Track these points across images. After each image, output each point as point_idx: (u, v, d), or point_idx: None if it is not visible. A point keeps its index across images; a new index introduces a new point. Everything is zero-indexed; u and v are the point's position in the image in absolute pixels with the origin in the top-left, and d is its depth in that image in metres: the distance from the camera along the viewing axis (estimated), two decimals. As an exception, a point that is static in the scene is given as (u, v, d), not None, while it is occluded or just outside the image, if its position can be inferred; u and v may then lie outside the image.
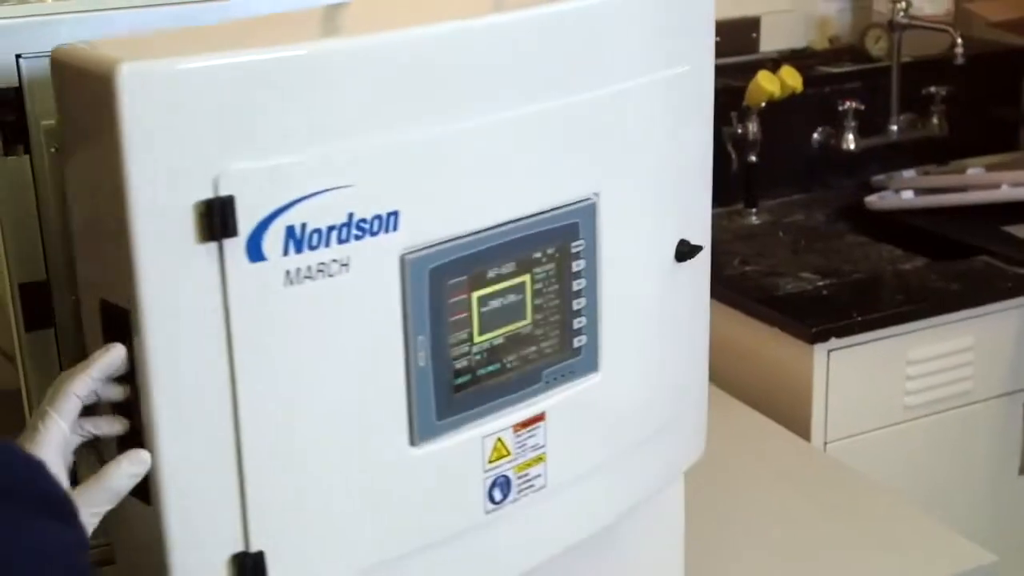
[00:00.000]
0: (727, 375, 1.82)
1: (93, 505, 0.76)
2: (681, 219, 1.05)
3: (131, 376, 0.79)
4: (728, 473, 1.54)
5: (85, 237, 0.83)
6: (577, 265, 0.97)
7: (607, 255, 0.99)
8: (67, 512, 0.61)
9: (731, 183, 2.14)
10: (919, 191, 2.24)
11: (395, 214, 0.84)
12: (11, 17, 0.88)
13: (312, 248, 0.81)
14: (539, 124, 0.92)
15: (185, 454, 0.80)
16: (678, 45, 1.02)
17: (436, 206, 0.87)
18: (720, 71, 2.30)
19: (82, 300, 0.84)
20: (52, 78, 0.81)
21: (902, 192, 2.24)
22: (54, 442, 0.76)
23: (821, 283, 1.90)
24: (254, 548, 0.83)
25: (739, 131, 2.12)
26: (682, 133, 1.04)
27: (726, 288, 1.89)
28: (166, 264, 0.76)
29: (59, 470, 0.75)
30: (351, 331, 0.85)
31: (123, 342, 0.79)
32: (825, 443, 1.78)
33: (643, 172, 1.01)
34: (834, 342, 1.75)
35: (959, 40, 2.16)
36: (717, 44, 2.39)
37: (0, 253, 0.91)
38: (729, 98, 2.10)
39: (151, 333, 0.77)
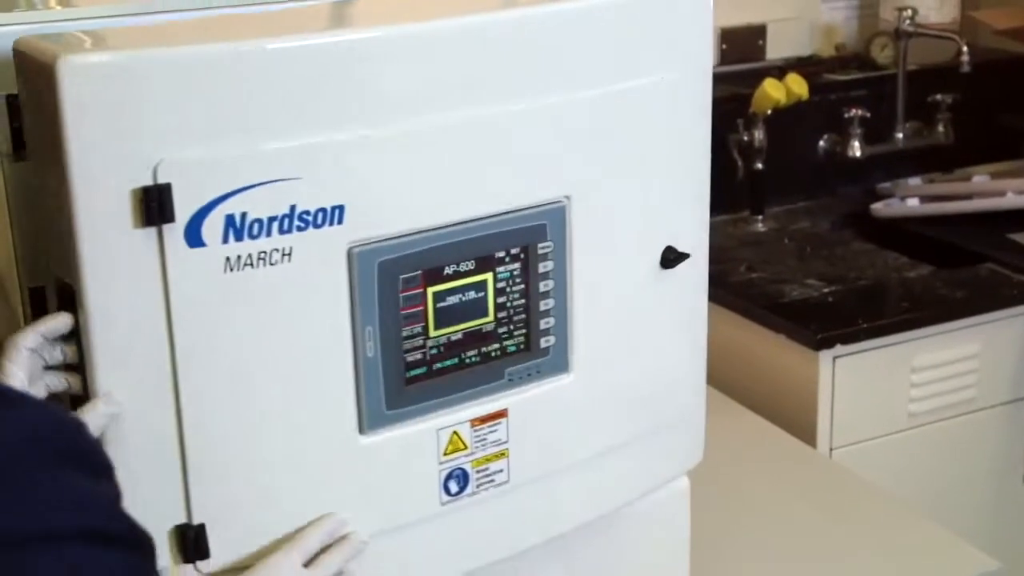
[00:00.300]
0: (732, 381, 1.82)
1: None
2: (667, 226, 1.05)
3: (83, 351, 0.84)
4: (733, 478, 1.54)
5: (45, 221, 0.86)
6: (544, 266, 0.98)
7: (581, 259, 1.00)
8: (107, 467, 0.63)
9: (737, 190, 2.14)
10: (924, 198, 2.23)
11: (340, 208, 0.86)
12: (22, 24, 0.90)
13: (253, 237, 0.83)
14: (499, 127, 0.93)
15: (126, 427, 0.83)
16: (661, 52, 1.02)
17: (385, 202, 0.89)
18: (726, 78, 2.31)
19: (47, 283, 0.88)
20: (15, 69, 0.84)
21: (907, 199, 2.24)
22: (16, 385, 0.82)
23: (826, 290, 1.89)
24: (196, 521, 0.86)
25: (745, 138, 2.12)
26: (668, 140, 1.04)
27: (732, 294, 1.89)
28: (107, 245, 0.80)
29: None
30: (296, 318, 0.87)
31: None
32: (830, 449, 1.78)
33: (621, 178, 1.01)
34: (839, 349, 1.75)
35: (965, 48, 2.16)
36: (723, 51, 2.37)
37: (11, 258, 0.92)
38: (735, 105, 2.10)
39: (93, 309, 0.81)
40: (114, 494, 0.62)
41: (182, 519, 0.87)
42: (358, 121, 0.87)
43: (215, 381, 0.86)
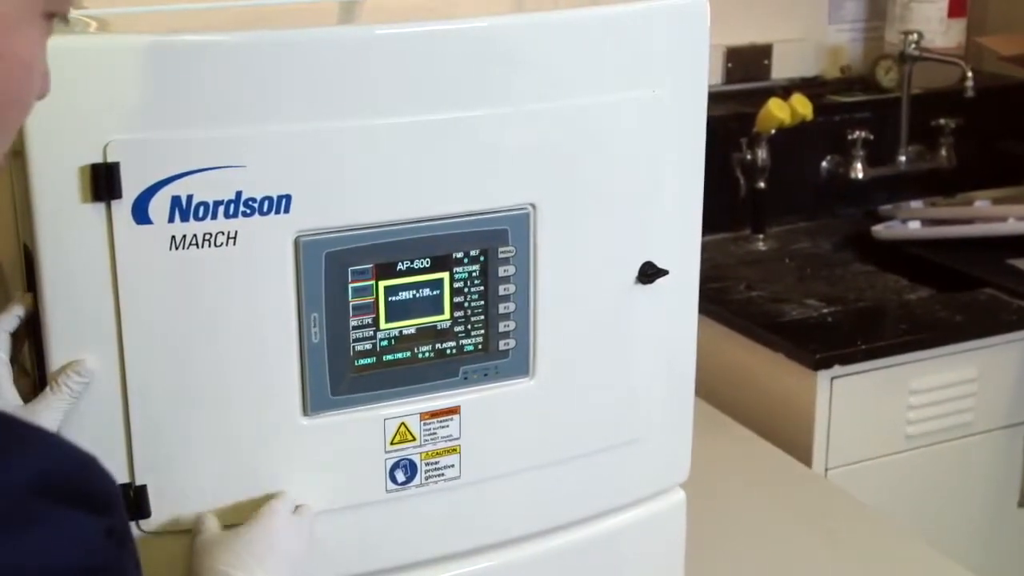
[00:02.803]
0: (730, 399, 1.81)
1: (55, 409, 0.86)
2: (647, 241, 1.05)
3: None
4: (728, 496, 1.53)
5: (21, 192, 0.90)
6: (505, 270, 0.99)
7: (548, 266, 1.00)
8: (106, 504, 0.62)
9: (739, 208, 2.13)
10: (926, 222, 2.22)
11: (287, 197, 0.89)
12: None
13: (198, 219, 0.87)
14: (463, 130, 0.94)
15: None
16: (652, 67, 1.02)
17: (336, 195, 0.91)
18: (730, 97, 2.30)
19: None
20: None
21: (909, 222, 2.22)
22: (5, 372, 0.89)
23: (826, 310, 1.88)
24: (139, 481, 0.91)
25: (748, 157, 2.11)
26: (654, 155, 1.03)
27: (731, 312, 1.87)
28: (60, 217, 0.85)
29: (8, 384, 0.88)
30: (241, 299, 0.90)
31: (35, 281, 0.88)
32: (826, 469, 1.76)
33: (598, 190, 1.01)
34: (837, 369, 1.73)
35: (969, 73, 2.14)
36: (729, 70, 2.36)
37: (18, 254, 0.95)
38: (739, 124, 2.09)
39: (46, 275, 0.86)
40: (121, 528, 0.61)
41: (125, 479, 0.90)
42: (311, 114, 0.89)
43: (159, 352, 0.89)
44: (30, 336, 0.91)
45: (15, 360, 0.91)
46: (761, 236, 2.16)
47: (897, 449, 1.80)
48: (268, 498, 0.92)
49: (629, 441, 1.10)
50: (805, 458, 1.73)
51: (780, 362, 1.78)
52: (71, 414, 0.87)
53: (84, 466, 0.58)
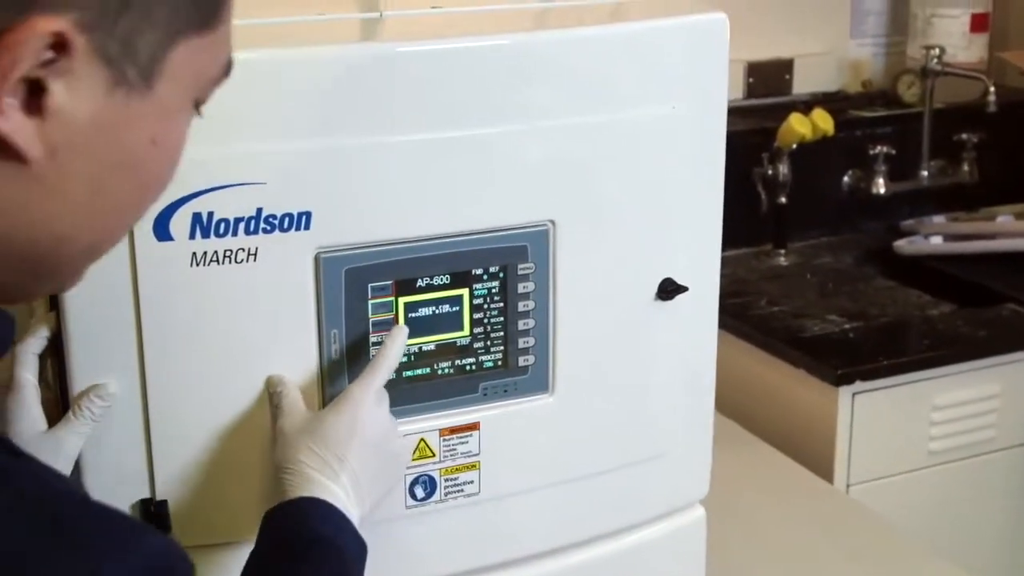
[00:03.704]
0: (751, 414, 1.79)
1: (77, 434, 0.87)
2: (667, 258, 1.05)
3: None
4: (749, 512, 1.52)
5: None
6: (525, 286, 0.98)
7: (567, 282, 1.00)
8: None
9: (760, 224, 2.12)
10: (948, 237, 2.20)
11: (307, 214, 0.89)
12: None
13: (219, 235, 0.87)
14: (482, 147, 0.94)
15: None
16: (672, 83, 1.01)
17: (356, 212, 0.91)
18: (752, 112, 2.29)
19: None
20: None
21: (931, 237, 2.20)
22: (34, 394, 0.89)
23: (848, 326, 1.86)
24: (159, 497, 0.91)
25: (769, 172, 2.09)
26: (674, 172, 1.03)
27: (752, 328, 1.86)
28: None
29: (36, 406, 0.88)
30: (261, 315, 0.90)
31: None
32: (848, 485, 1.75)
33: (617, 207, 1.01)
34: (859, 385, 1.72)
35: (992, 88, 2.13)
36: (750, 85, 2.35)
37: None
38: (760, 139, 2.08)
39: (69, 294, 0.85)
40: None
41: (146, 494, 0.91)
42: (331, 131, 0.89)
43: (180, 368, 0.89)
44: (52, 353, 0.91)
45: (41, 378, 0.91)
46: (783, 251, 2.15)
47: (919, 465, 1.79)
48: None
49: (649, 457, 1.09)
50: (826, 474, 1.71)
51: (801, 378, 1.76)
52: (95, 430, 0.87)
53: (182, 558, 0.59)
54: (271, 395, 0.90)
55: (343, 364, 0.93)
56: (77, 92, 0.53)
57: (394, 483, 0.93)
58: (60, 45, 0.52)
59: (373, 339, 0.94)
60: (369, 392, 0.89)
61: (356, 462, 0.86)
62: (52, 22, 0.51)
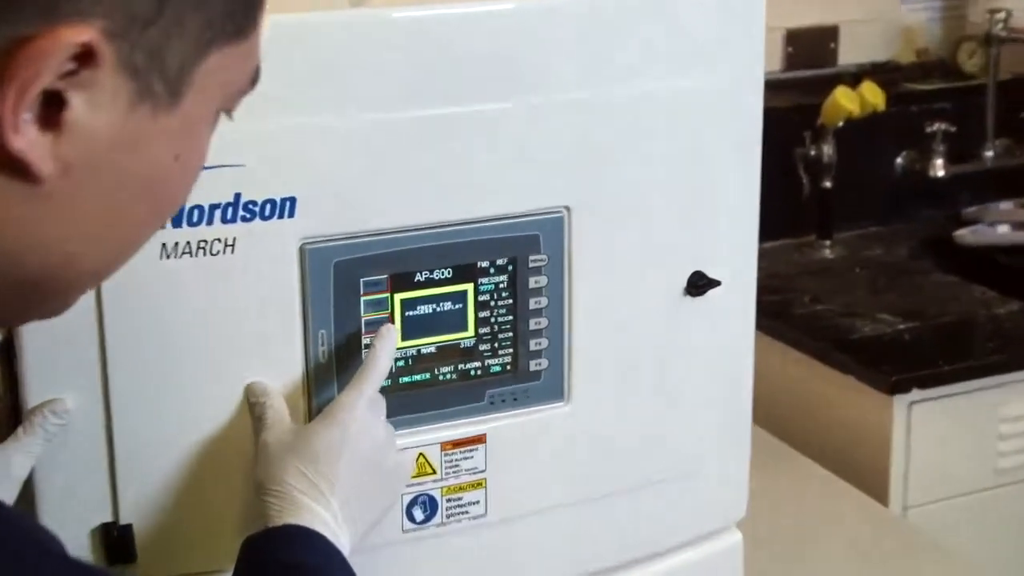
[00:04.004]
0: (793, 427, 1.80)
1: (27, 454, 0.87)
2: (697, 249, 1.05)
3: None
4: (792, 538, 1.52)
5: None
6: (537, 281, 0.99)
7: (585, 276, 1.00)
8: None
9: (802, 211, 2.13)
10: (1016, 225, 2.21)
11: (291, 200, 0.89)
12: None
13: (192, 224, 0.87)
14: (489, 125, 0.94)
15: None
16: (702, 54, 1.02)
17: (346, 197, 0.91)
18: (792, 85, 2.29)
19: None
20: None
21: (997, 226, 2.21)
22: None
23: (902, 326, 1.87)
24: (123, 520, 0.90)
25: (812, 153, 2.10)
26: (704, 153, 1.04)
27: (794, 329, 1.87)
28: None
29: None
30: (240, 314, 0.90)
31: None
32: (905, 508, 1.75)
33: (640, 191, 1.01)
34: (916, 394, 1.73)
35: (1065, 56, 2.14)
36: (789, 55, 2.35)
37: None
38: (802, 116, 2.09)
39: None
40: None
41: (108, 518, 0.90)
42: (319, 107, 0.89)
43: (148, 376, 0.89)
44: (4, 360, 0.92)
45: None
46: (828, 242, 2.16)
47: (986, 485, 1.79)
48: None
49: (677, 475, 1.10)
50: (880, 495, 1.72)
51: (850, 385, 1.77)
52: (50, 447, 0.88)
53: None
54: (252, 406, 0.91)
55: (332, 369, 0.94)
56: (98, 106, 0.54)
57: (390, 504, 0.94)
58: (85, 56, 0.53)
59: (366, 340, 0.94)
60: (360, 401, 0.90)
61: (347, 482, 0.87)
62: (80, 32, 0.52)
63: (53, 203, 0.56)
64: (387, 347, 0.92)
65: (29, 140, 0.53)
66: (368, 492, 0.89)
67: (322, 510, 0.85)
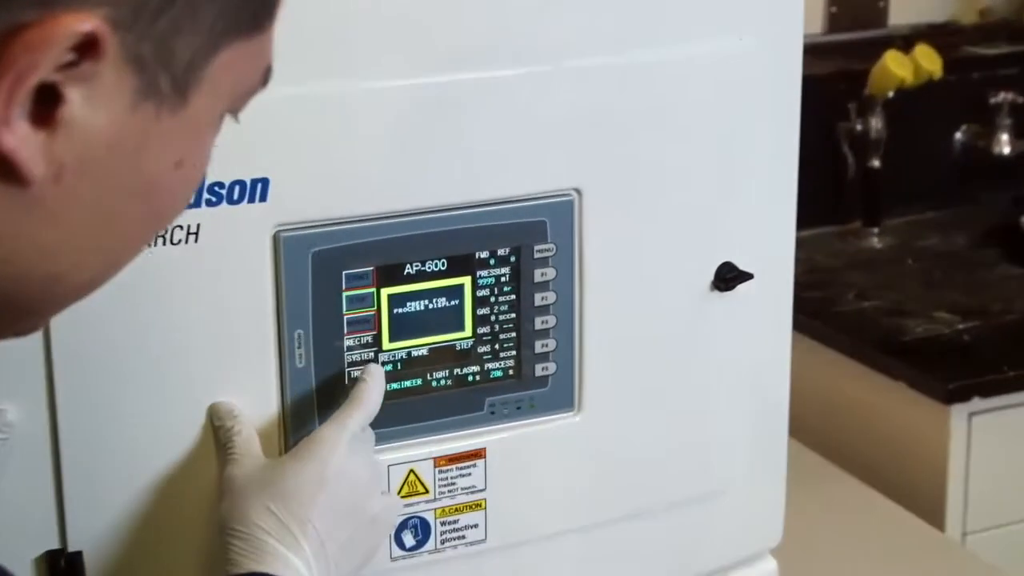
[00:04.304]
0: (837, 442, 1.80)
1: None
2: (726, 237, 1.06)
3: None
4: (835, 568, 1.52)
5: None
6: (543, 274, 0.99)
7: (597, 269, 1.01)
8: None
9: (847, 194, 2.13)
10: (1093, 210, 2.21)
11: (263, 182, 0.89)
12: None
13: None
14: (485, 96, 0.95)
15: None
16: (724, 13, 1.02)
17: (325, 179, 0.91)
18: (835, 50, 2.29)
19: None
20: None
21: (1071, 211, 2.22)
22: None
23: (962, 326, 1.88)
24: (72, 547, 0.90)
25: (858, 128, 2.11)
26: (734, 127, 1.04)
27: (837, 330, 1.87)
28: None
29: None
30: (204, 312, 0.90)
31: None
32: (964, 534, 1.76)
33: (660, 171, 1.02)
34: (977, 403, 1.73)
35: None
36: (832, 15, 2.36)
37: None
38: (847, 85, 2.09)
39: None
40: None
41: (55, 544, 0.90)
42: (295, 74, 0.87)
43: (99, 389, 0.88)
44: None
45: None
46: (876, 230, 2.16)
47: (1057, 507, 1.80)
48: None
49: (704, 496, 1.11)
50: (936, 519, 1.73)
51: (901, 393, 1.78)
52: None
53: None
54: (217, 430, 0.92)
55: (309, 377, 0.94)
56: (97, 103, 0.55)
57: (374, 552, 0.94)
58: (87, 46, 0.53)
59: (349, 342, 0.95)
60: (342, 436, 0.90)
61: (322, 526, 0.87)
62: (83, 19, 0.52)
63: (41, 209, 0.56)
64: (377, 384, 0.93)
65: (20, 137, 0.53)
66: (348, 538, 0.89)
67: (292, 556, 0.85)
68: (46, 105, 0.54)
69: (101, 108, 0.55)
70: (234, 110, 0.64)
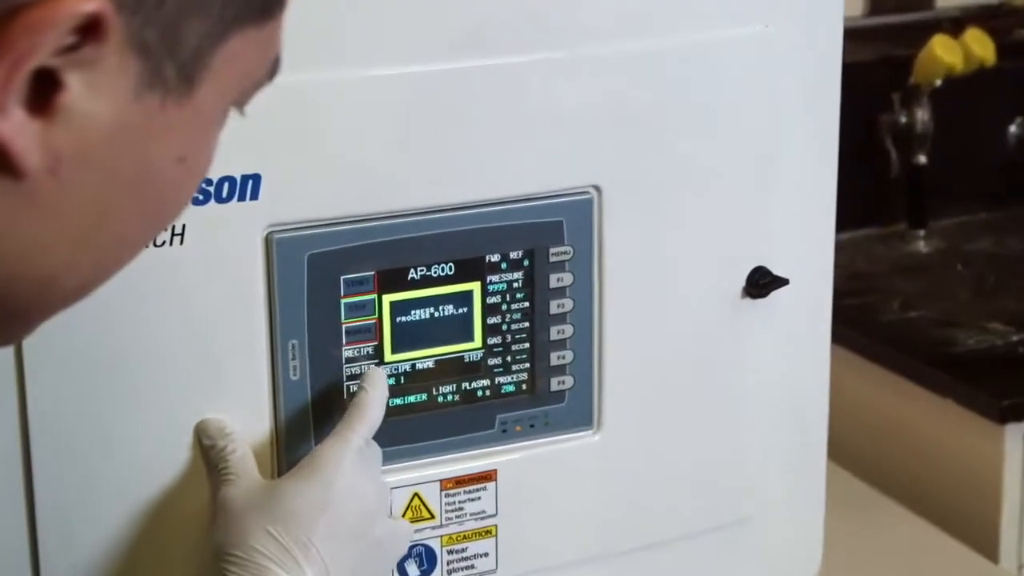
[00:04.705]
0: (880, 465, 1.80)
1: None
2: (756, 239, 1.06)
3: None
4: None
5: None
6: (559, 279, 1.00)
7: (617, 274, 1.01)
8: None
9: (890, 193, 2.13)
10: None
11: (254, 178, 0.89)
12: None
13: None
14: (495, 85, 0.95)
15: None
16: None
17: (322, 175, 0.92)
18: (877, 34, 2.29)
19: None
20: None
21: None
22: None
23: (1016, 337, 1.87)
24: None
25: (902, 120, 2.11)
26: (768, 118, 1.05)
27: (880, 341, 1.87)
28: None
29: None
30: (191, 320, 0.90)
31: None
32: (1020, 566, 1.76)
33: (687, 167, 1.02)
34: (1034, 422, 1.73)
35: None
36: (875, -4, 2.28)
37: None
38: (890, 73, 2.09)
39: None
40: None
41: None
42: (288, 62, 0.88)
43: (75, 406, 0.89)
44: None
45: None
46: (922, 232, 2.16)
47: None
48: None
49: (735, 522, 1.11)
50: (989, 549, 1.72)
51: (950, 411, 1.78)
52: None
53: None
54: (208, 450, 0.92)
55: (305, 391, 0.95)
56: (99, 90, 0.56)
57: None
58: (89, 28, 0.54)
59: (348, 353, 0.96)
60: (346, 452, 0.91)
61: (326, 549, 0.88)
62: (87, 0, 0.53)
63: (35, 203, 0.57)
64: (379, 393, 0.94)
65: (15, 126, 0.54)
66: (353, 562, 0.90)
67: None
68: (44, 92, 0.54)
69: (102, 96, 0.56)
70: (240, 104, 0.65)
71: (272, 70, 0.66)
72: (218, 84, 0.60)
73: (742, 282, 1.06)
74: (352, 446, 0.91)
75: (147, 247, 0.65)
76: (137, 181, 0.60)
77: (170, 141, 0.60)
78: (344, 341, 0.95)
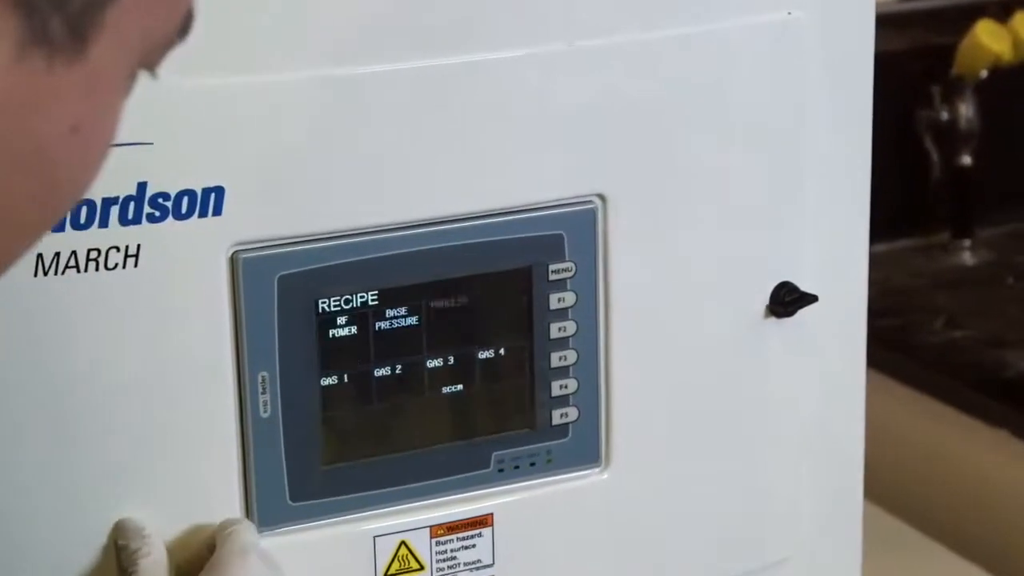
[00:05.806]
0: (925, 505, 1.80)
1: None
2: (780, 253, 1.07)
3: None
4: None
5: None
6: (561, 299, 1.00)
7: (625, 293, 1.01)
8: None
9: (931, 199, 2.13)
10: None
11: (217, 192, 0.89)
12: None
13: (80, 227, 0.86)
14: (486, 83, 0.95)
15: None
16: None
17: (292, 187, 0.92)
18: (914, 20, 2.29)
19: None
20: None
21: None
22: None
23: (1075, 360, 1.88)
24: None
25: (944, 116, 2.11)
26: (782, 118, 1.05)
27: (922, 365, 1.87)
28: None
29: None
30: (148, 350, 0.90)
31: None
32: (1080, 617, 1.76)
33: (696, 174, 1.02)
34: (1095, 454, 1.74)
35: None
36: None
37: None
38: (929, 63, 2.10)
39: None
40: None
41: None
42: (253, 61, 0.89)
43: (19, 442, 0.89)
44: None
45: None
46: (968, 242, 2.16)
47: None
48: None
49: (760, 568, 1.11)
50: (1047, 598, 1.73)
51: (1002, 443, 1.78)
52: None
53: None
54: (121, 552, 0.91)
55: (277, 430, 0.95)
56: None
57: None
58: None
59: (325, 383, 0.96)
60: (247, 560, 0.90)
61: None
62: None
63: None
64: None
65: None
66: None
67: None
68: None
69: None
70: (149, 66, 0.64)
71: (184, 25, 0.64)
72: (116, 41, 0.59)
73: (766, 300, 1.07)
74: (250, 550, 0.91)
75: (45, 234, 0.65)
76: (23, 156, 0.58)
77: (60, 108, 0.59)
78: (320, 372, 0.96)
